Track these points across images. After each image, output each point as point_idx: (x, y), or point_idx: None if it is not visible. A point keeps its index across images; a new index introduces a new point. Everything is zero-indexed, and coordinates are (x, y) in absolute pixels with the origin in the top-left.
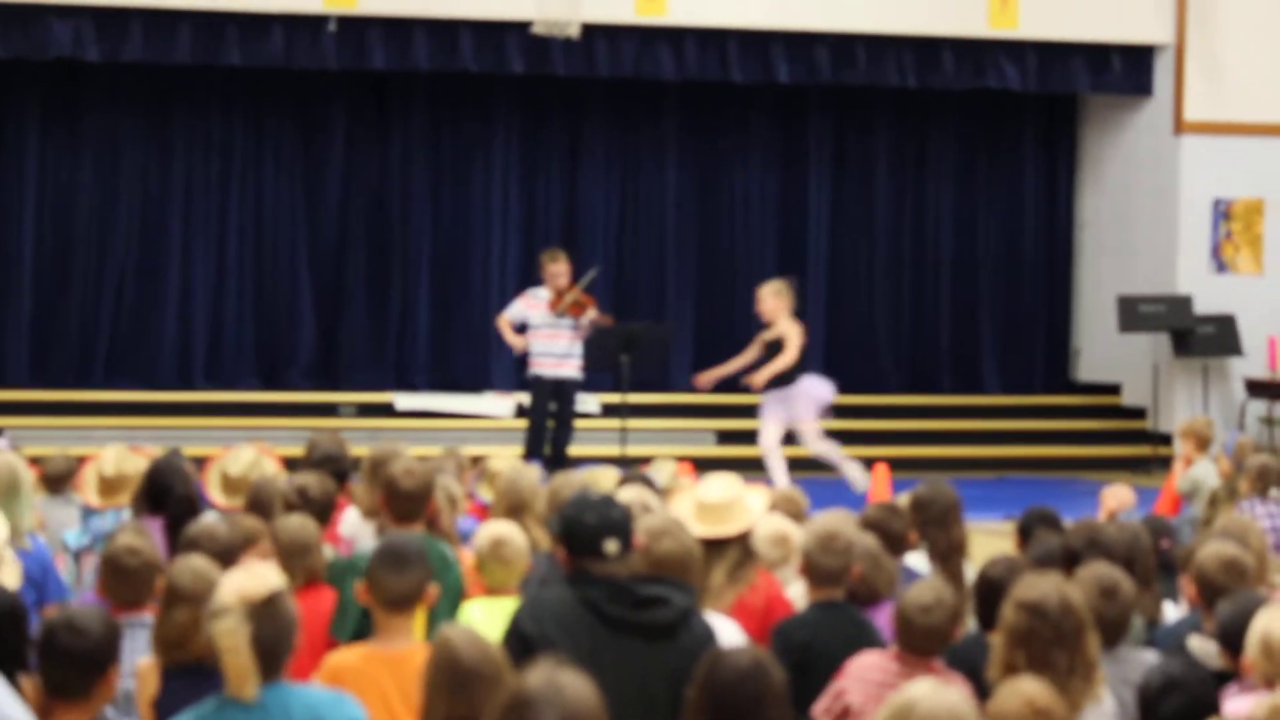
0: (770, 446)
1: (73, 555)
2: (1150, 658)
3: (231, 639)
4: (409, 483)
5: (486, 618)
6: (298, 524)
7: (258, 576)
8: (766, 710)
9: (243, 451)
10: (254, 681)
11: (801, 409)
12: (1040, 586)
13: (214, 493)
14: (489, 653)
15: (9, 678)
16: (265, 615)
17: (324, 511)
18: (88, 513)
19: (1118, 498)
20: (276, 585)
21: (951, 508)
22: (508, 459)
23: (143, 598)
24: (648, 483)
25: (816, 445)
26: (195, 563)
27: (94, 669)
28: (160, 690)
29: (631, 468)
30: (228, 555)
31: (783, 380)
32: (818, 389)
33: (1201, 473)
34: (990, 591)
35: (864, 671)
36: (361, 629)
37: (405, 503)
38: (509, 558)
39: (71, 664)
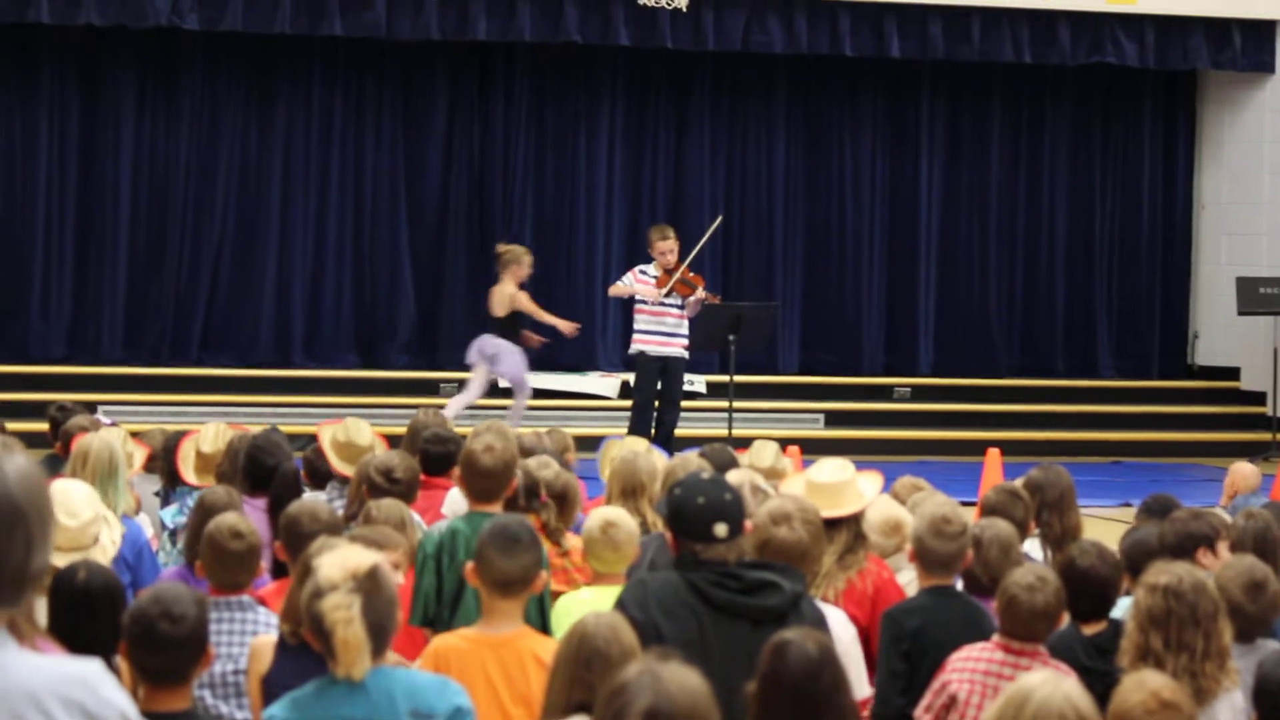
0: None
1: (169, 534)
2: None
3: (345, 613)
4: (488, 460)
5: (595, 604)
6: (390, 506)
7: (357, 552)
8: (836, 698)
9: (208, 428)
10: (366, 660)
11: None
12: (1174, 569)
13: (185, 470)
14: (623, 639)
15: (106, 661)
16: (371, 590)
17: (408, 492)
18: (183, 490)
19: (1245, 477)
20: (377, 560)
21: (1066, 493)
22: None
23: (244, 580)
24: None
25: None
26: (335, 540)
27: (191, 653)
28: (273, 666)
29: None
30: (329, 534)
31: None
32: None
33: None
34: (1087, 581)
35: (968, 662)
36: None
37: (482, 480)
38: (620, 540)
39: (169, 650)
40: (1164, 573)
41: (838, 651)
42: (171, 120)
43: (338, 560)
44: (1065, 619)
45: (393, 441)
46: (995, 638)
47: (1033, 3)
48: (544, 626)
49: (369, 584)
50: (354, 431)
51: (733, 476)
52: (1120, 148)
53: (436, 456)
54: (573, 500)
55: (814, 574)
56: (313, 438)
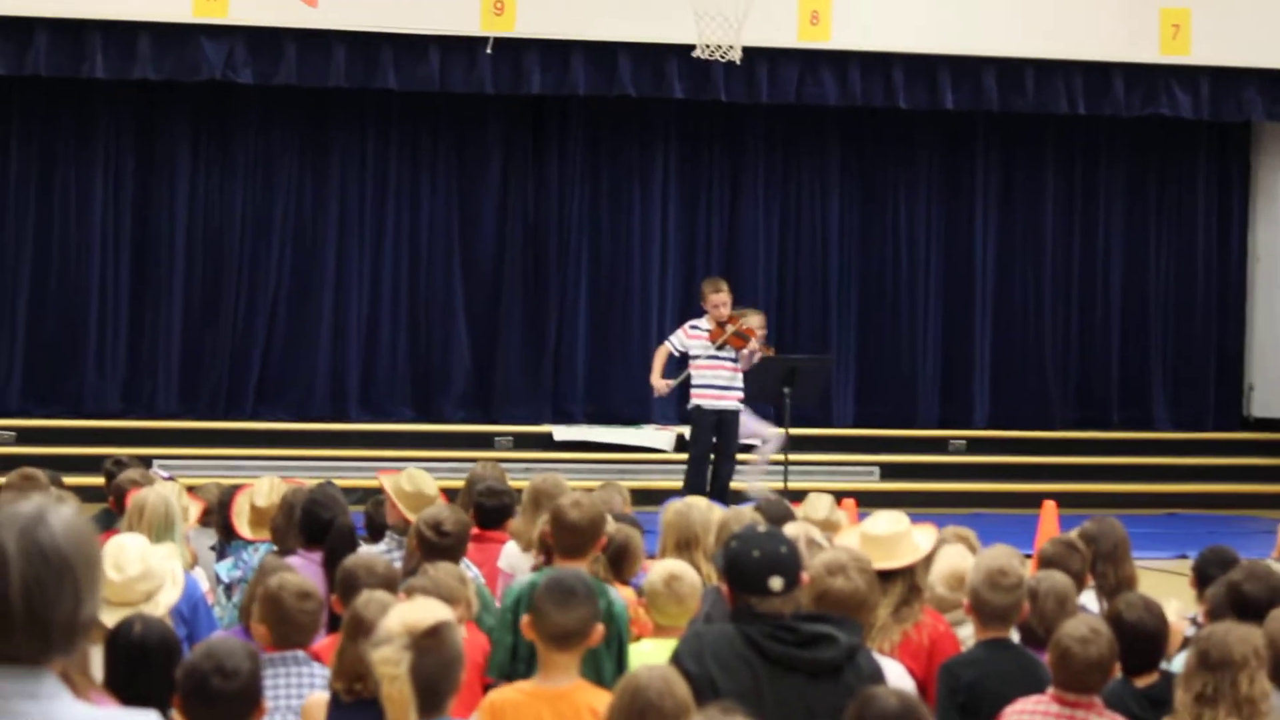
0: None
1: (224, 588)
2: None
3: (391, 668)
4: (576, 515)
5: (656, 655)
6: (447, 569)
7: (424, 607)
8: None
9: (263, 482)
10: (411, 715)
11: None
12: (1219, 625)
13: (240, 524)
14: (676, 691)
15: (160, 715)
16: (428, 647)
17: (458, 546)
18: (238, 544)
19: None
20: (443, 617)
21: (1121, 544)
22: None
23: (305, 640)
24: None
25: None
26: (383, 596)
27: (244, 708)
28: None
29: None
30: (386, 589)
31: None
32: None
33: None
34: (1128, 634)
35: (1022, 715)
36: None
37: (572, 535)
38: (683, 594)
39: (222, 705)
40: (1209, 628)
41: None
42: (226, 174)
43: (403, 613)
44: (1116, 671)
45: (449, 495)
46: (1050, 690)
47: (1087, 54)
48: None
49: (426, 641)
50: (420, 481)
51: (789, 530)
52: (1175, 199)
53: (491, 509)
54: (634, 553)
55: (870, 625)
56: (369, 492)
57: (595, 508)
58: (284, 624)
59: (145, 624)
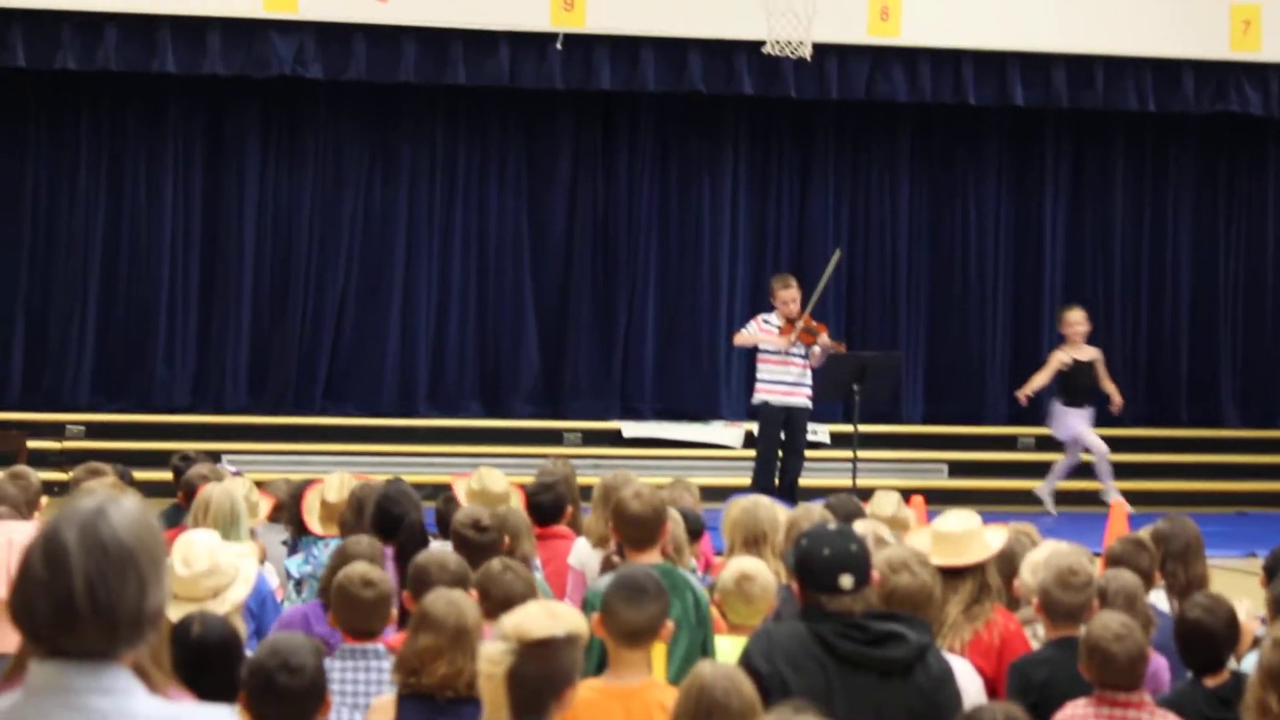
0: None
1: (294, 583)
2: None
3: (489, 667)
4: (638, 506)
5: (732, 654)
6: (510, 583)
7: (550, 616)
8: None
9: (333, 477)
10: (503, 715)
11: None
12: None
13: (311, 520)
14: (743, 690)
15: None
16: (535, 656)
17: (498, 542)
18: (308, 540)
19: None
20: (560, 631)
21: (1193, 543)
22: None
23: (376, 628)
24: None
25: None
26: (452, 593)
27: (310, 704)
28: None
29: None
30: (458, 585)
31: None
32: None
33: None
34: (1196, 634)
35: None
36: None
37: (635, 528)
38: (753, 594)
39: (288, 701)
40: None
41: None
42: (295, 169)
43: (521, 617)
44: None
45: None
46: (1095, 693)
47: (1157, 51)
48: None
49: (533, 650)
50: (488, 480)
51: (858, 528)
52: (1244, 196)
53: (546, 505)
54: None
55: (939, 622)
56: (437, 488)
57: (656, 497)
58: (349, 610)
59: (205, 623)
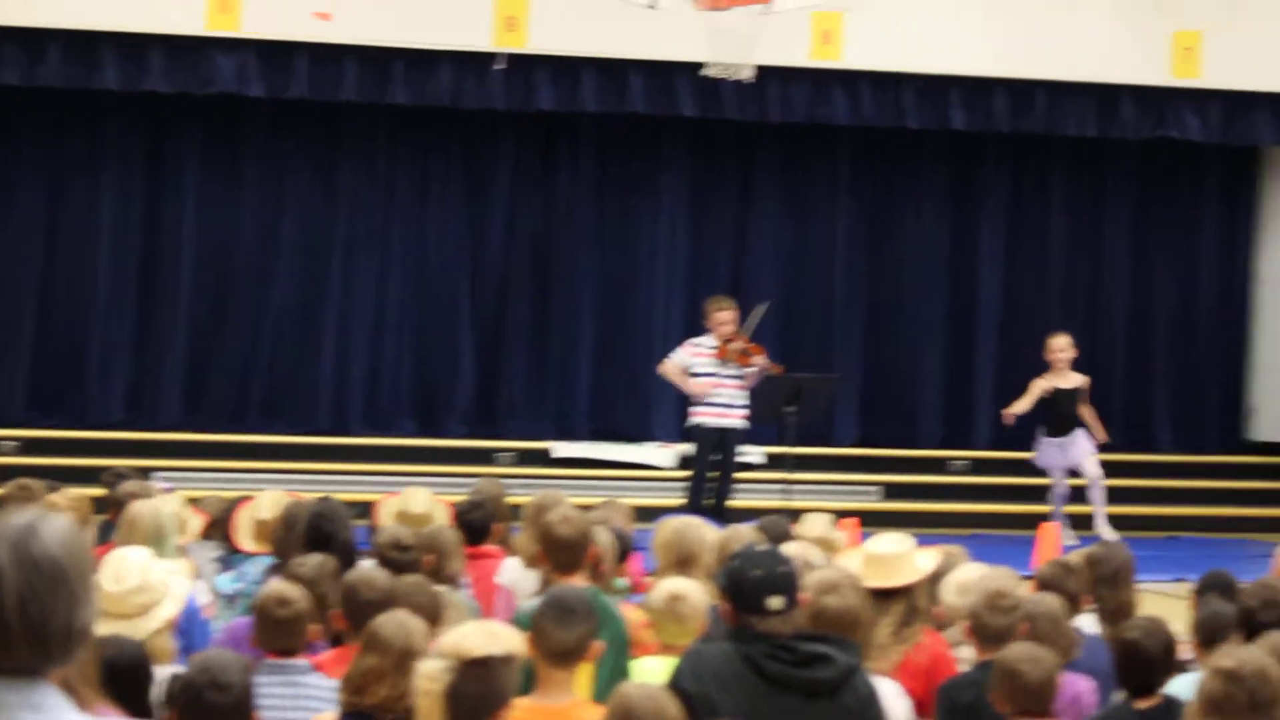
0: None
1: (225, 600)
2: None
3: (427, 683)
4: (565, 530)
5: (663, 674)
6: (413, 583)
7: (489, 635)
8: None
9: (418, 493)
10: None
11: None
12: (1238, 653)
13: (242, 538)
14: (668, 711)
15: None
16: (473, 675)
17: (416, 562)
18: (239, 557)
19: None
20: (498, 650)
21: (1123, 568)
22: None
23: (295, 645)
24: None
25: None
26: (402, 616)
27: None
28: None
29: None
30: (385, 604)
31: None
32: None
33: None
34: (1132, 655)
35: None
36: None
37: (562, 552)
38: (685, 614)
39: (216, 718)
40: (1227, 656)
41: None
42: (235, 187)
43: (460, 636)
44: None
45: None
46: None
47: (1096, 76)
48: None
49: (471, 670)
50: (410, 500)
51: (788, 550)
52: (1182, 222)
53: (474, 524)
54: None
55: (868, 644)
56: (371, 506)
57: (584, 521)
58: (267, 629)
59: (118, 645)
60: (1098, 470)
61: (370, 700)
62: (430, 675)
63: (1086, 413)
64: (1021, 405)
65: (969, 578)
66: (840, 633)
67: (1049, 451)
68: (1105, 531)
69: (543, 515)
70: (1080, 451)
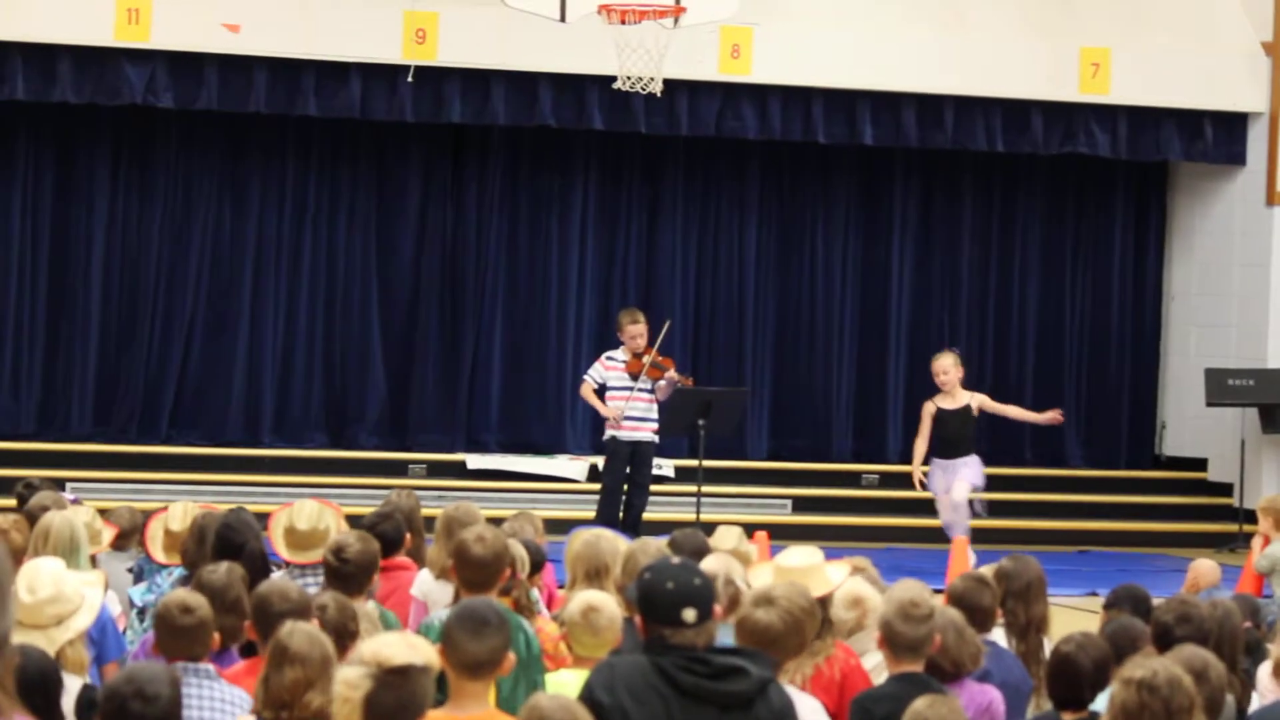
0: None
1: (136, 612)
2: None
3: (347, 690)
4: (480, 550)
5: (575, 687)
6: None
7: (408, 646)
8: None
9: (307, 505)
10: None
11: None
12: (1150, 664)
13: (280, 548)
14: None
15: None
16: (392, 683)
17: (359, 574)
18: (152, 568)
19: (1204, 574)
20: (418, 660)
21: (1035, 583)
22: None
23: (198, 653)
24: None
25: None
26: (306, 626)
27: None
28: None
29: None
30: (300, 615)
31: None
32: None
33: None
34: (1064, 668)
35: None
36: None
37: (476, 570)
38: (600, 626)
39: None
40: (1139, 667)
41: None
42: (145, 198)
43: (380, 645)
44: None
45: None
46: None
47: (1006, 92)
48: None
49: (390, 677)
50: (295, 515)
51: (710, 563)
52: (1091, 237)
53: (385, 535)
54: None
55: (781, 662)
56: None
57: (499, 541)
58: (169, 637)
59: (25, 655)
60: (962, 498)
61: (302, 713)
62: (350, 682)
63: (1013, 412)
64: (919, 448)
65: (857, 591)
66: (760, 646)
67: (934, 475)
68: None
69: (464, 528)
70: (964, 477)
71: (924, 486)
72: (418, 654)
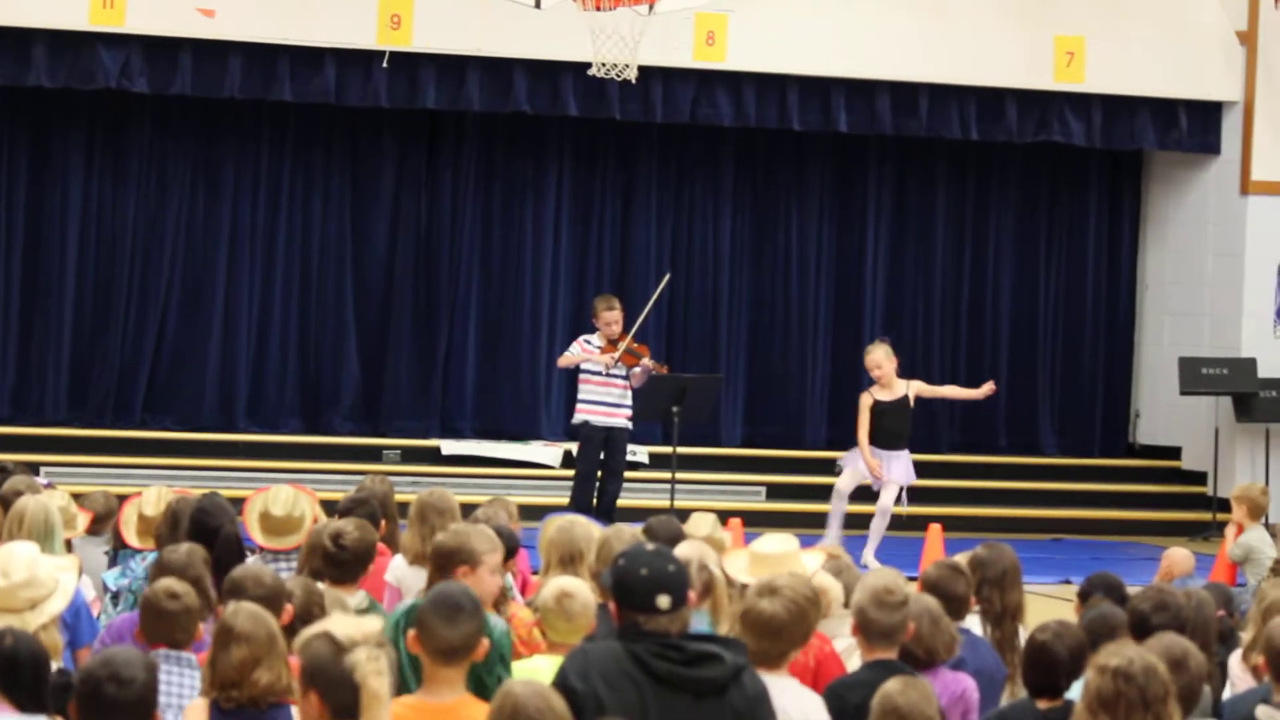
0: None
1: (110, 596)
2: None
3: (377, 664)
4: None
5: (550, 673)
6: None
7: (360, 620)
8: None
9: (282, 491)
10: (387, 713)
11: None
12: (1125, 651)
13: (255, 533)
14: (556, 708)
15: None
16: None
17: (354, 562)
18: (126, 553)
19: (1178, 562)
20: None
21: (1009, 570)
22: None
23: (183, 640)
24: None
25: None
26: (249, 605)
27: (138, 717)
28: None
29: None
30: (273, 599)
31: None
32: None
33: (1255, 540)
34: (1039, 657)
35: None
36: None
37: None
38: (574, 612)
39: (116, 713)
40: (1114, 655)
41: None
42: (119, 182)
43: (348, 624)
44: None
45: (329, 507)
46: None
47: (980, 79)
48: None
49: (385, 646)
50: (271, 500)
51: (684, 550)
52: (1065, 226)
53: None
54: None
55: (785, 653)
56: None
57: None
58: (156, 621)
59: (15, 637)
60: (889, 502)
61: (251, 691)
62: (374, 656)
63: (952, 392)
64: (863, 440)
65: (818, 581)
66: (763, 635)
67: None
68: (869, 559)
69: (438, 514)
70: (896, 472)
71: (879, 477)
72: (374, 623)
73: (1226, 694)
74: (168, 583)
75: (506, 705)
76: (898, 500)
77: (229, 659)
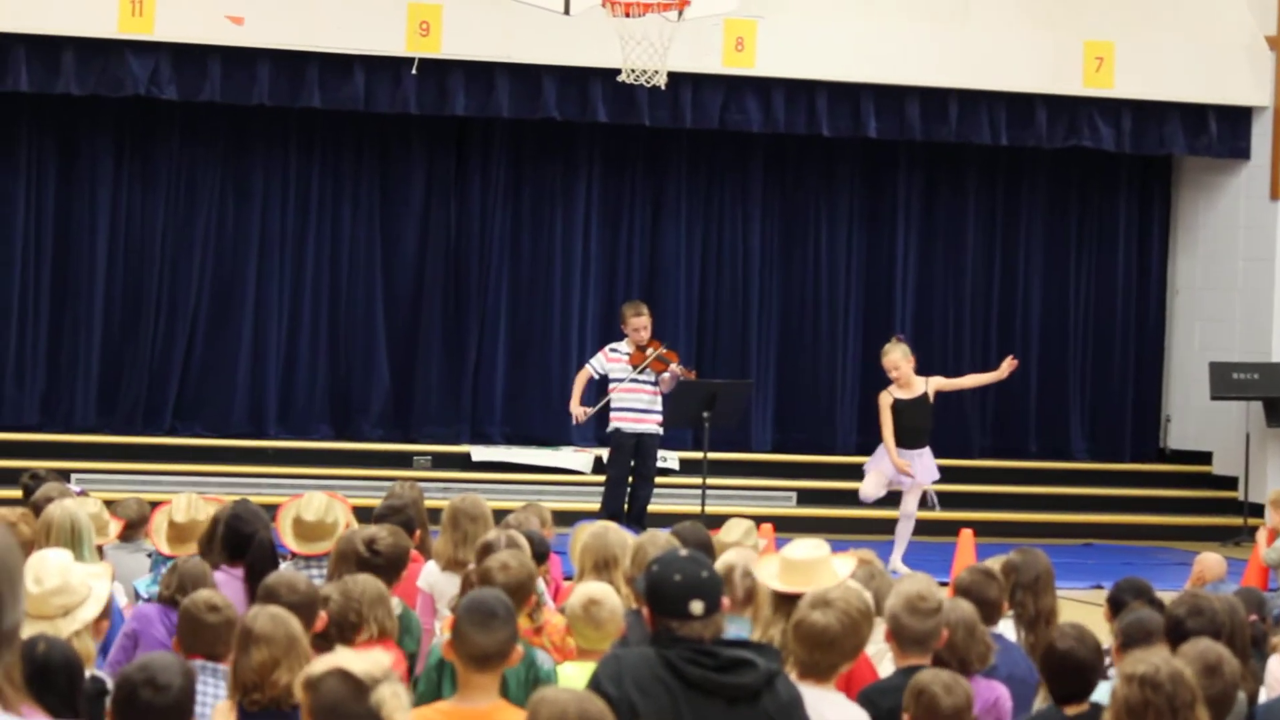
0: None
1: (143, 603)
2: None
3: (401, 700)
4: (504, 578)
5: (579, 679)
6: (366, 580)
7: (365, 655)
8: None
9: (316, 497)
10: None
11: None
12: (1151, 659)
13: (287, 538)
14: (594, 714)
15: None
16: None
17: (388, 567)
18: (158, 559)
19: (1210, 567)
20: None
21: (1043, 575)
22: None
23: (222, 653)
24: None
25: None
26: (270, 608)
27: None
28: None
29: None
30: (307, 606)
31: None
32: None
33: None
34: (1065, 664)
35: None
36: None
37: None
38: (601, 619)
39: (151, 718)
40: (1141, 662)
41: None
42: (148, 190)
43: (356, 660)
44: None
45: (359, 514)
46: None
47: (1010, 85)
48: None
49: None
50: (304, 506)
51: (729, 556)
52: (1095, 231)
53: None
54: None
55: (837, 664)
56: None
57: (523, 569)
58: (191, 633)
59: (49, 644)
60: (913, 507)
61: (272, 693)
62: (400, 693)
63: (974, 381)
64: (889, 441)
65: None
66: (815, 647)
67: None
68: (898, 564)
69: (470, 520)
70: (921, 471)
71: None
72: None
73: (1262, 698)
74: (207, 594)
75: (544, 709)
76: (928, 503)
77: (249, 661)
